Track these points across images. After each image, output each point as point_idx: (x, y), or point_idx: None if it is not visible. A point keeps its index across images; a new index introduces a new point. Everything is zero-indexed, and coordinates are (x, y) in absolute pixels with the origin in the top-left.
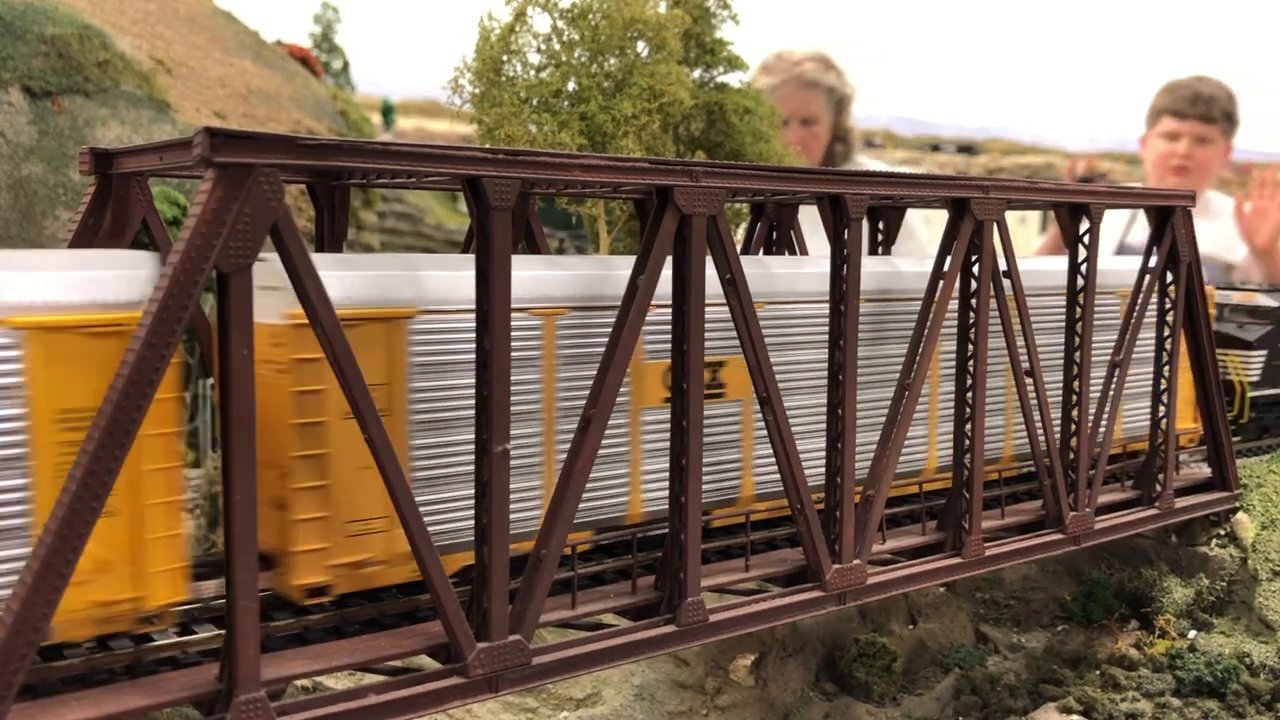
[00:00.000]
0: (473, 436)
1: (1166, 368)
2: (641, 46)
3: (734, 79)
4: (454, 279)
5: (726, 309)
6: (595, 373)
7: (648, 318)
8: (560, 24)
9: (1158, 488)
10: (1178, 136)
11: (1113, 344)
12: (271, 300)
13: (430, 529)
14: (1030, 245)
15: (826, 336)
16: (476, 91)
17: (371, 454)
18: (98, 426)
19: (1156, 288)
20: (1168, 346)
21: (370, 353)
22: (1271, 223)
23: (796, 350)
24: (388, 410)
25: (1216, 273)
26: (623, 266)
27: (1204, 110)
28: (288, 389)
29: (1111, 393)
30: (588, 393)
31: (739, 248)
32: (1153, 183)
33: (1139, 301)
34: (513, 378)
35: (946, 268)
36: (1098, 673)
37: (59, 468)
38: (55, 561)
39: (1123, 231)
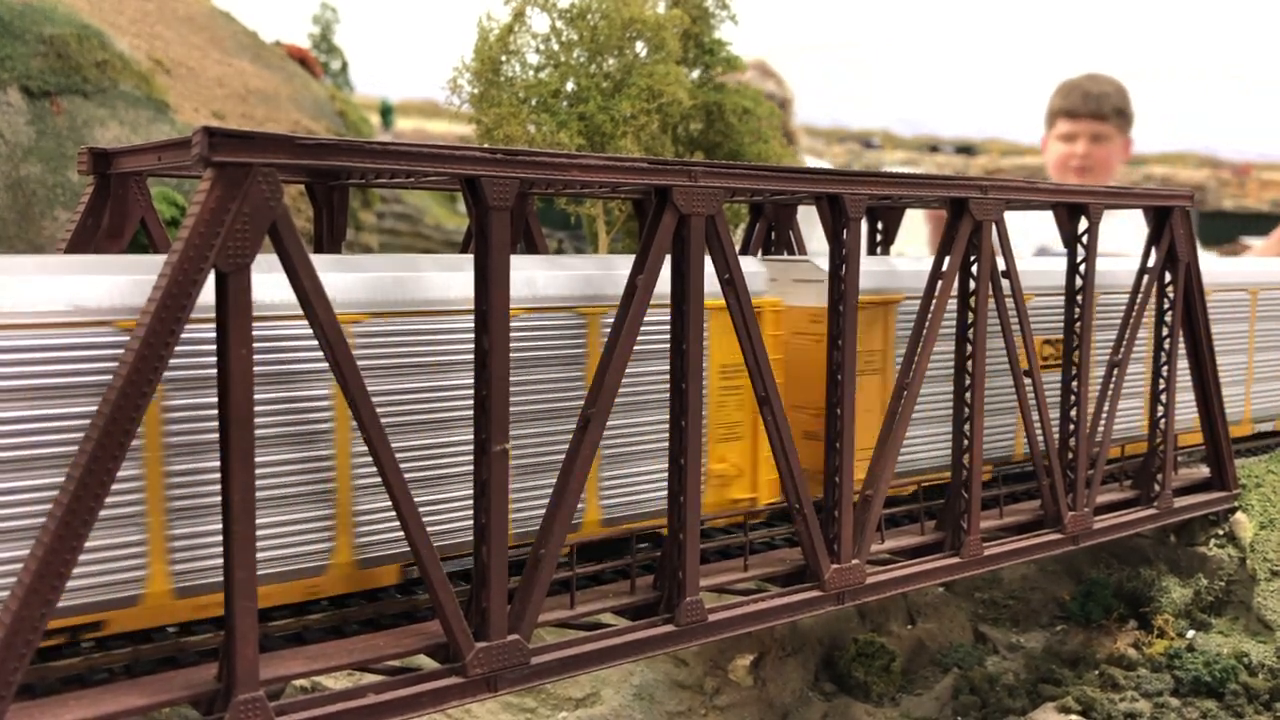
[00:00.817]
0: (937, 390)
1: (1165, 367)
2: (640, 47)
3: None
4: (919, 273)
5: (1062, 297)
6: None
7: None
8: (559, 24)
9: (1156, 487)
10: (1074, 137)
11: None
12: (812, 289)
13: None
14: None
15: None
16: (475, 92)
17: (371, 454)
18: (96, 427)
19: (1155, 288)
20: (1166, 346)
21: (873, 328)
22: None
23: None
24: (881, 369)
25: None
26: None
27: (1095, 108)
28: (824, 355)
29: (1104, 391)
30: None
31: (738, 248)
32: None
33: (1137, 301)
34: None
35: (945, 268)
36: (1096, 672)
37: (716, 405)
38: (54, 561)
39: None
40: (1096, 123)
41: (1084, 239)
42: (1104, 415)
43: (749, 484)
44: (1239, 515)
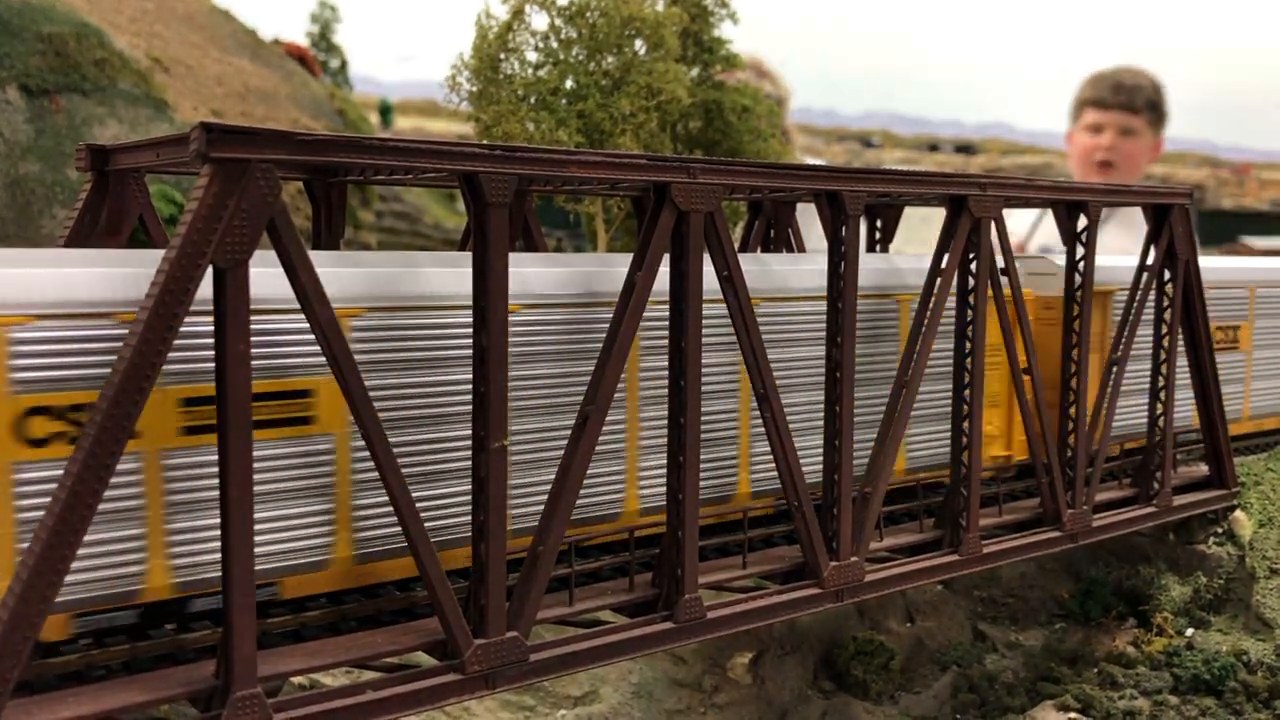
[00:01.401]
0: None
1: (1164, 365)
2: (639, 45)
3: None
4: (1123, 270)
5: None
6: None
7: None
8: (558, 22)
9: (1155, 485)
10: (1101, 129)
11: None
12: (1047, 281)
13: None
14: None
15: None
16: (474, 89)
17: (369, 450)
18: (94, 422)
19: (1155, 285)
20: (1165, 344)
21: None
22: None
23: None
24: (1099, 349)
25: None
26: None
27: (1126, 99)
28: (1057, 337)
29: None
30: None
31: (736, 245)
32: (1077, 179)
33: (1137, 299)
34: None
35: (944, 265)
36: (1095, 670)
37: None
38: (51, 556)
39: (1028, 232)
40: (1127, 115)
41: (1083, 236)
42: (1103, 413)
43: (1005, 443)
44: (1238, 513)
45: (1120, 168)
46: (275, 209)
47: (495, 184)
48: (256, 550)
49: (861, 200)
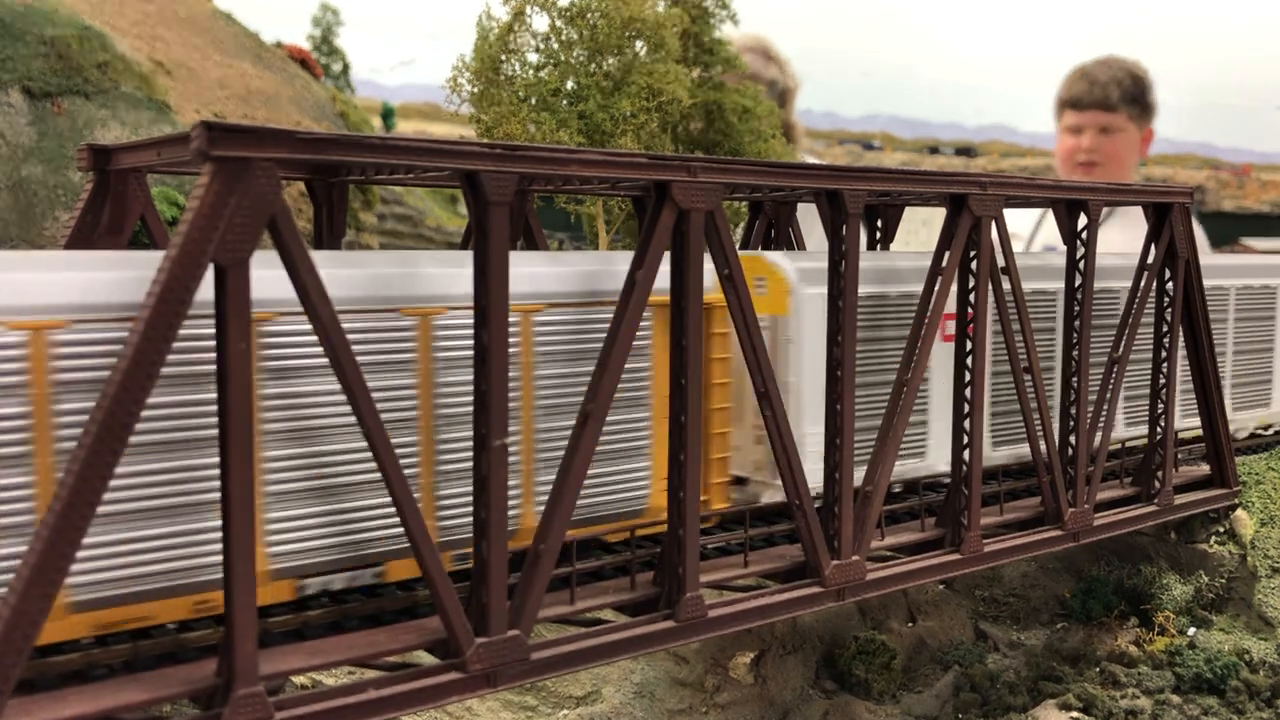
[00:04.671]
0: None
1: (1165, 365)
2: (640, 46)
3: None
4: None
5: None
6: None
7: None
8: (559, 23)
9: (1156, 484)
10: (1080, 130)
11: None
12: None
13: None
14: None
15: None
16: (475, 90)
17: (369, 447)
18: (94, 420)
19: (1155, 284)
20: (1166, 343)
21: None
22: None
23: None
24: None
25: None
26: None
27: (1101, 97)
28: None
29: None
30: None
31: (737, 245)
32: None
33: (1137, 299)
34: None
35: (944, 264)
36: (1097, 670)
37: None
38: (53, 555)
39: (1032, 229)
40: (1104, 114)
41: (1083, 235)
42: (1104, 412)
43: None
44: (1239, 512)
45: (1106, 166)
46: (276, 207)
47: (496, 182)
48: None
49: (862, 199)
